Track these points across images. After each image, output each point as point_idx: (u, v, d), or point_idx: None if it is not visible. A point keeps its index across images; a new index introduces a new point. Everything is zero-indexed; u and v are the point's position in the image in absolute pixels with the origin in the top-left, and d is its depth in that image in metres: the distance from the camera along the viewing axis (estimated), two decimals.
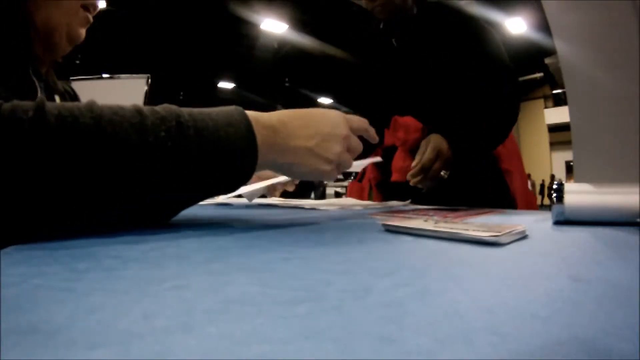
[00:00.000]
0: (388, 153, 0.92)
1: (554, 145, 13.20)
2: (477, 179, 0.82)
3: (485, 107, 0.76)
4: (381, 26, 0.96)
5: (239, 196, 0.61)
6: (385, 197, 0.98)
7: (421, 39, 0.85)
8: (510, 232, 0.30)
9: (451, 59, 0.81)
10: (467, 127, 0.76)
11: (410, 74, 0.88)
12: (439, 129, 0.78)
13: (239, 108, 0.37)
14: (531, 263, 0.24)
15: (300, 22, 6.37)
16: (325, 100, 10.44)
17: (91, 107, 0.30)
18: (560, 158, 13.05)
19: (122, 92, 2.78)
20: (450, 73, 0.82)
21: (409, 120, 0.88)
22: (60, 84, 0.63)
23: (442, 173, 0.73)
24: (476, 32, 0.78)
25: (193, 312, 0.14)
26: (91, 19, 0.56)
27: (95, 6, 0.56)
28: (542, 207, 6.79)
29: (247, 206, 0.75)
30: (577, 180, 0.60)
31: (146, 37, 6.51)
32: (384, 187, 0.99)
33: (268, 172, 0.77)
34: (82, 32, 0.55)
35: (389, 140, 0.98)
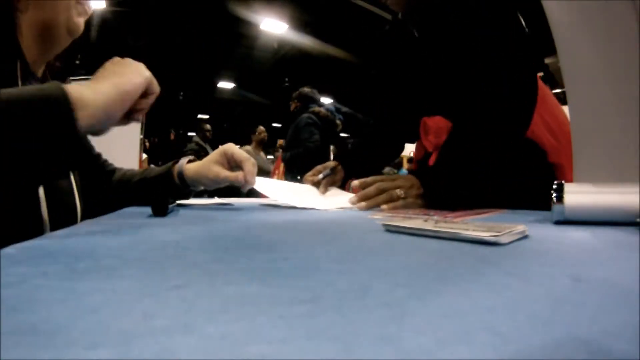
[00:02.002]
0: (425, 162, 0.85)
1: None
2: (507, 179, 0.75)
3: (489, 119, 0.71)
4: (399, 17, 0.92)
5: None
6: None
7: (442, 25, 0.80)
8: (510, 232, 0.30)
9: (467, 47, 0.75)
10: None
11: (434, 63, 0.83)
12: (461, 124, 0.74)
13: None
14: (531, 263, 0.24)
15: (300, 22, 6.37)
16: (325, 100, 10.44)
17: None
18: None
19: None
20: (467, 62, 0.76)
21: (439, 122, 0.81)
22: None
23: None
24: (492, 16, 0.72)
25: (193, 312, 0.14)
26: (88, 10, 0.57)
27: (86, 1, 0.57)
28: None
29: (247, 207, 0.75)
30: (577, 180, 0.60)
31: (146, 37, 6.51)
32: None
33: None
34: (81, 22, 0.56)
35: (419, 152, 0.92)
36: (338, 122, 2.77)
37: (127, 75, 0.44)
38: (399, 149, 1.09)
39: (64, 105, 0.35)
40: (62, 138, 0.35)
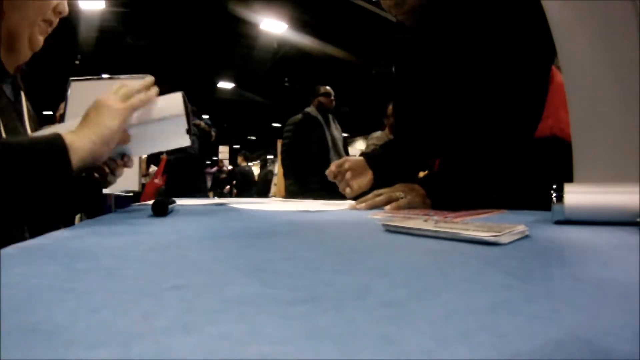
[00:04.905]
0: None
1: None
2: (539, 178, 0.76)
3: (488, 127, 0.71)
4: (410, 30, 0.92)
5: None
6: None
7: (453, 30, 0.79)
8: (510, 232, 0.30)
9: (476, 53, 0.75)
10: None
11: (446, 67, 0.83)
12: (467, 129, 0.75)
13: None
14: (531, 263, 0.24)
15: (300, 22, 6.36)
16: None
17: None
18: None
19: None
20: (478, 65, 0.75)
21: None
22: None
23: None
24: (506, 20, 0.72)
25: (193, 312, 0.14)
26: (49, 30, 0.63)
27: (52, 22, 0.62)
28: None
29: (247, 207, 0.75)
30: (577, 180, 0.60)
31: (146, 37, 6.51)
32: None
33: None
34: (41, 39, 0.62)
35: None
36: (213, 133, 3.20)
37: (105, 123, 0.51)
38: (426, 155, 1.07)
39: (62, 152, 0.45)
40: (60, 176, 0.44)
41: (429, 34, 0.86)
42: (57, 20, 0.63)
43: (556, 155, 0.75)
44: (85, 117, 0.52)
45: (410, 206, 0.67)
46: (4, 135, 0.55)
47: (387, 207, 0.65)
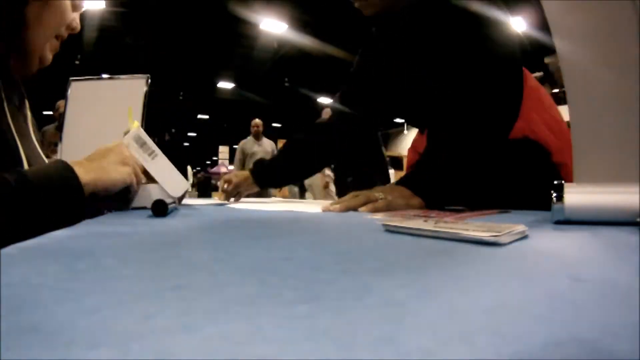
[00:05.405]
0: None
1: None
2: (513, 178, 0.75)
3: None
4: (373, 27, 0.93)
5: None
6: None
7: (409, 35, 0.81)
8: (510, 232, 0.30)
9: (438, 59, 0.76)
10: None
11: (402, 73, 0.84)
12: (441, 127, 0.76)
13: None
14: (531, 263, 0.24)
15: (300, 22, 6.37)
16: (324, 100, 10.42)
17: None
18: None
19: (122, 92, 2.77)
20: (438, 74, 0.77)
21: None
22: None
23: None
24: (469, 30, 0.72)
25: (193, 312, 0.14)
26: (58, 47, 0.64)
27: (63, 39, 0.64)
28: None
29: (246, 207, 0.75)
30: (577, 180, 0.60)
31: (146, 37, 6.51)
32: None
33: None
34: (50, 56, 0.64)
35: (412, 158, 0.97)
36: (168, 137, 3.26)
37: (114, 170, 0.57)
38: (317, 163, 1.11)
39: (77, 185, 0.51)
40: (75, 202, 0.51)
41: (400, 32, 0.86)
42: (67, 35, 0.64)
43: (528, 156, 0.76)
44: (101, 156, 0.58)
45: (390, 207, 0.64)
46: (18, 140, 0.57)
47: (363, 208, 0.62)
